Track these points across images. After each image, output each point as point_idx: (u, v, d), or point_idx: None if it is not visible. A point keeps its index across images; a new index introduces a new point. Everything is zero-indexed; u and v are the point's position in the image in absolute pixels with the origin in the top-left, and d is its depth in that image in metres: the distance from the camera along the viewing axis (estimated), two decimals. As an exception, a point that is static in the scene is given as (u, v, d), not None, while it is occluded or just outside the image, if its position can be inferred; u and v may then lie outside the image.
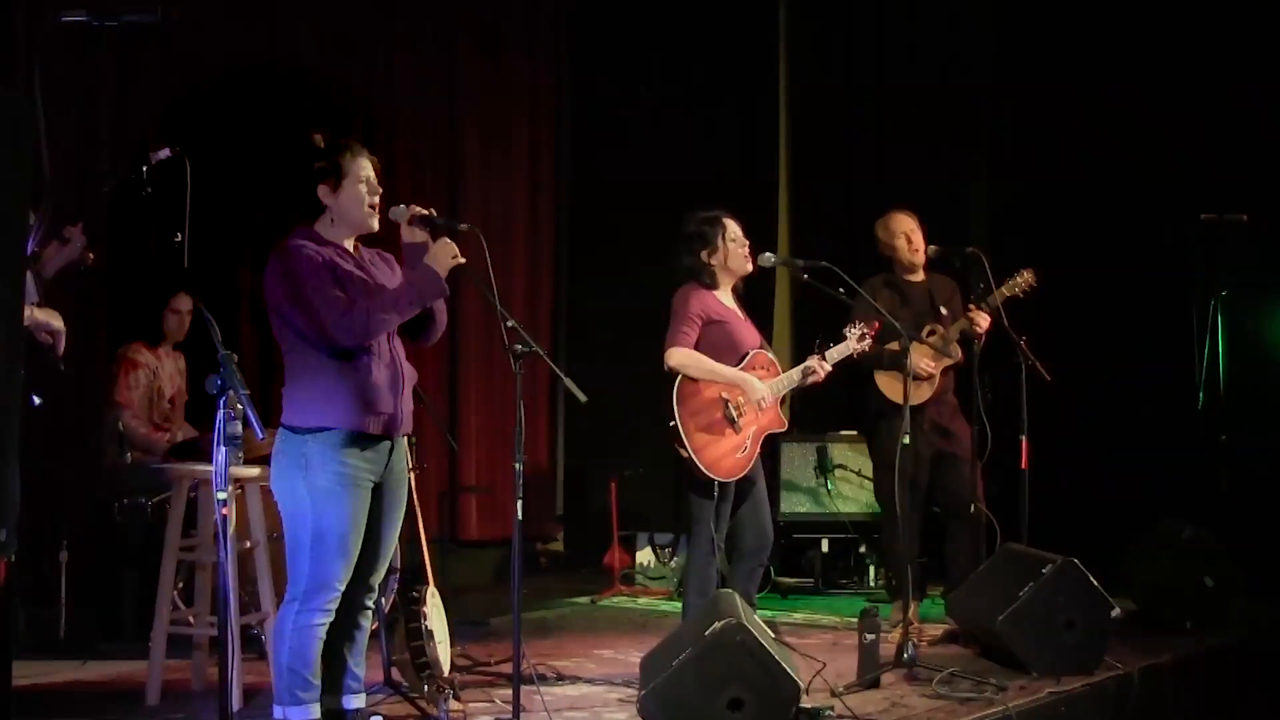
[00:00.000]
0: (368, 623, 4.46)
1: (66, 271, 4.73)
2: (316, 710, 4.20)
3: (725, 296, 5.67)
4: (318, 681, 4.20)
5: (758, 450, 5.55)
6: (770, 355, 5.71)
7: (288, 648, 4.17)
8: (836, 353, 5.72)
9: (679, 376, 5.47)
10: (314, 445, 4.14)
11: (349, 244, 4.32)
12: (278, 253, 4.18)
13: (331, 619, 4.23)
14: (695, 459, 5.39)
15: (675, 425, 5.41)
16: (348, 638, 4.38)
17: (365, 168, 4.28)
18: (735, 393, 5.51)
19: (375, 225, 4.32)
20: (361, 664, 4.46)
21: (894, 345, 6.05)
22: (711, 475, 5.41)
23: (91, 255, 4.81)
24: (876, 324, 5.84)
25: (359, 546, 4.23)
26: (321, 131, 4.34)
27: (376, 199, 4.30)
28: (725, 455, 5.46)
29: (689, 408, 5.45)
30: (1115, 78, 8.02)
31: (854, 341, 5.74)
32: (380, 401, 4.21)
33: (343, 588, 4.22)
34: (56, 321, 4.34)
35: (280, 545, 4.32)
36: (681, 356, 5.49)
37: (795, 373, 5.66)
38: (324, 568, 4.15)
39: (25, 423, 3.30)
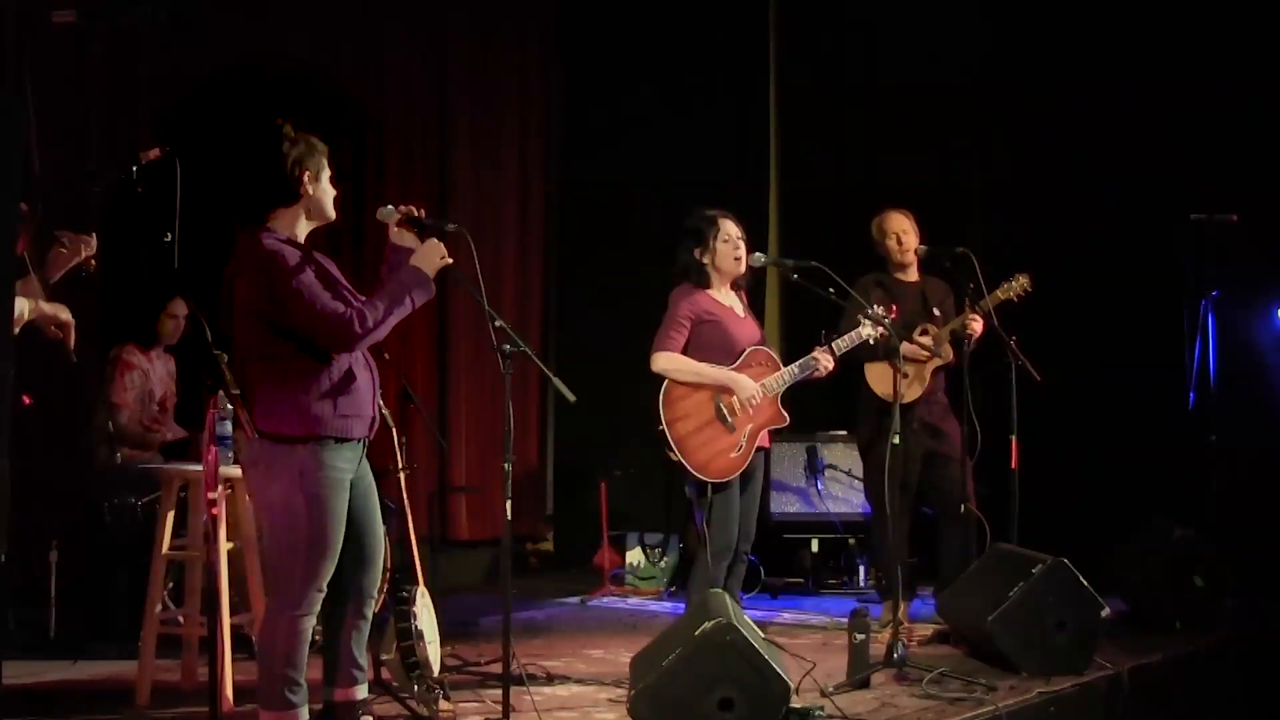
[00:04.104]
0: (371, 612, 4.44)
1: (70, 276, 4.72)
2: (305, 712, 4.19)
3: (720, 294, 5.64)
4: (305, 682, 4.19)
5: (754, 447, 5.52)
6: (770, 351, 5.67)
7: (282, 651, 4.14)
8: (845, 342, 5.64)
9: (666, 380, 5.47)
10: (305, 453, 4.09)
11: (303, 240, 4.29)
12: (258, 260, 4.10)
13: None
14: (685, 462, 5.39)
15: (662, 429, 5.41)
16: (355, 629, 4.37)
17: (325, 158, 4.30)
18: (726, 393, 5.50)
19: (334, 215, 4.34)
20: (364, 655, 4.44)
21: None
22: (703, 477, 5.41)
23: (94, 262, 4.79)
24: (895, 307, 5.79)
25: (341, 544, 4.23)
26: (287, 120, 4.29)
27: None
28: (718, 456, 5.45)
29: (677, 411, 5.44)
30: (1107, 78, 8.04)
31: (868, 328, 5.64)
32: (364, 405, 4.21)
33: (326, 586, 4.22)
34: (65, 314, 4.35)
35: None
36: (665, 361, 5.48)
37: (793, 368, 5.60)
38: (319, 571, 4.14)
39: (15, 423, 3.30)
